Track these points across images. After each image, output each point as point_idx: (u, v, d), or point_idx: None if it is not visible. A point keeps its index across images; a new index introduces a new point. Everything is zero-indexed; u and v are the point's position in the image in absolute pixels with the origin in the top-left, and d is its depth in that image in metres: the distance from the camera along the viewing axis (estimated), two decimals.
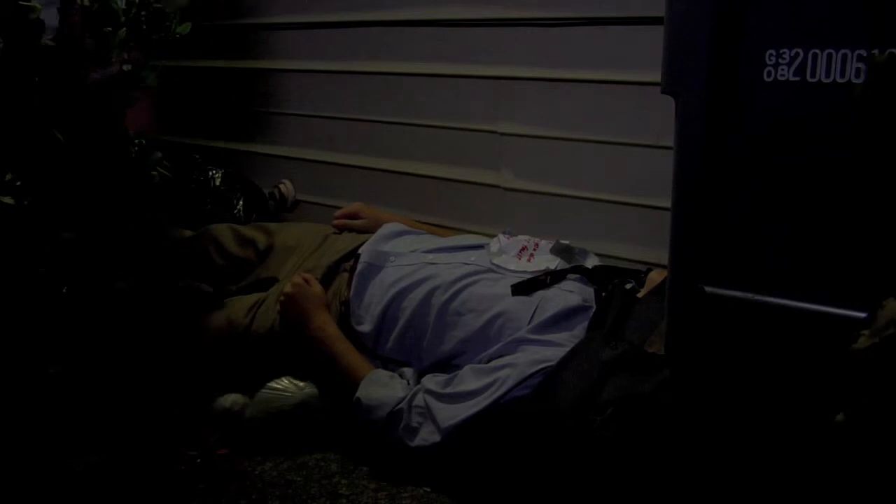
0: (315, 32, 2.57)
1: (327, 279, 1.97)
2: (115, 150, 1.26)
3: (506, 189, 2.27)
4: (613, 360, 1.45)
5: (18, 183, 1.32)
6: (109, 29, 1.13)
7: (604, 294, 1.72)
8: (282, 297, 1.89)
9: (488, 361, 1.66)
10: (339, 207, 2.26)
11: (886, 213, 1.08)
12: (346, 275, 1.96)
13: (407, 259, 1.91)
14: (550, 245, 1.87)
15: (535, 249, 1.87)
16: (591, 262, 1.86)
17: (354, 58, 2.52)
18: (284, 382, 1.80)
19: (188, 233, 2.18)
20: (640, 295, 1.64)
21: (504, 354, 1.65)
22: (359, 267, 1.93)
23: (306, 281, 1.90)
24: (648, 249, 2.00)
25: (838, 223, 1.12)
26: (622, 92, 1.97)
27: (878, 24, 1.05)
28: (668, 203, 1.24)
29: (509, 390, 1.56)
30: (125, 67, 1.18)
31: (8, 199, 1.31)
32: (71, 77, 1.13)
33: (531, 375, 1.57)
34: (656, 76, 1.24)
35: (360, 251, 1.98)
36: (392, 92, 2.46)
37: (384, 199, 2.47)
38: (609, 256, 2.02)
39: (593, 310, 1.69)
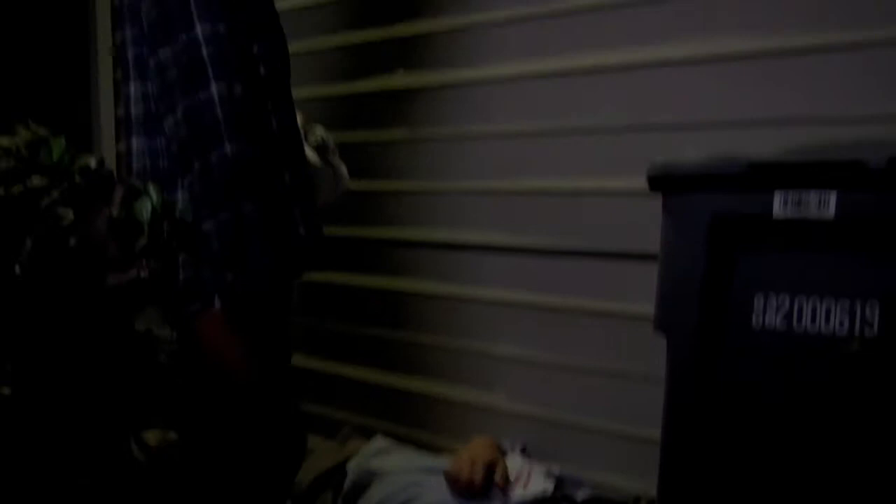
0: None
1: (310, 496, 1.94)
2: (122, 350, 1.30)
3: (500, 412, 2.27)
4: None
5: (17, 376, 1.34)
6: (132, 238, 1.19)
7: None
8: None
9: None
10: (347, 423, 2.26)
11: (869, 465, 1.09)
12: (329, 493, 1.93)
13: (394, 478, 1.89)
14: (543, 471, 1.86)
15: (528, 478, 1.85)
16: (583, 493, 1.84)
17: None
18: None
19: (172, 434, 2.16)
20: None
21: None
22: (344, 486, 1.90)
23: None
24: (641, 480, 1.98)
25: (822, 470, 1.13)
26: (617, 323, 2.02)
27: (862, 279, 1.10)
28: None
29: None
30: (143, 275, 1.23)
31: (6, 391, 1.33)
32: (90, 281, 1.18)
33: None
34: (650, 310, 1.29)
35: (347, 467, 1.96)
36: (393, 308, 2.51)
37: (381, 416, 2.47)
38: (603, 485, 1.99)
39: None
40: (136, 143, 1.70)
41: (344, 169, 2.01)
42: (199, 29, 1.50)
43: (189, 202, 1.52)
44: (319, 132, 1.97)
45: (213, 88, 1.49)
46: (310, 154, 1.90)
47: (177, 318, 1.58)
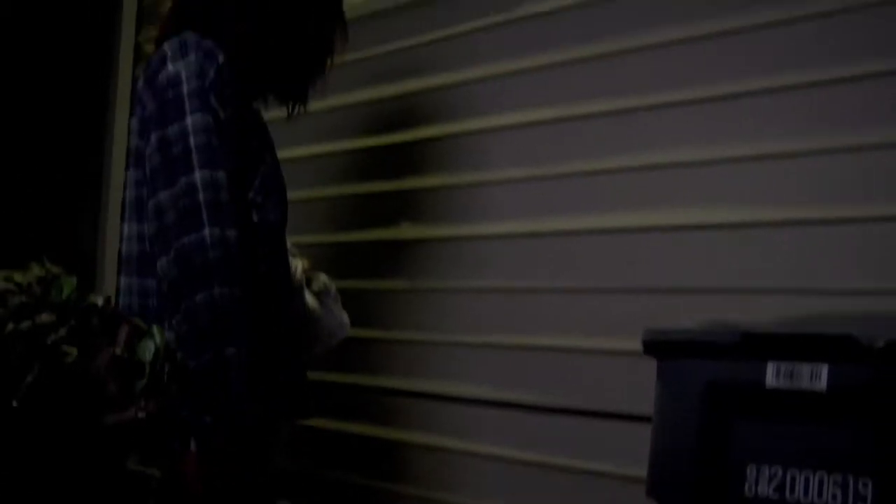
0: None
1: None
2: (114, 490, 1.29)
3: None
4: None
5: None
6: (133, 378, 1.21)
7: None
8: None
9: None
10: None
11: None
12: None
13: None
14: None
15: None
16: None
17: None
18: None
19: None
20: None
21: None
22: None
23: None
24: None
25: None
26: (608, 484, 2.00)
27: (855, 454, 1.11)
28: None
29: None
30: (140, 415, 1.24)
31: None
32: (88, 419, 1.19)
33: None
34: (641, 472, 1.29)
35: None
36: (382, 457, 2.49)
37: None
38: None
39: None
40: (123, 281, 1.74)
41: (345, 317, 2.04)
42: (197, 175, 1.56)
43: (175, 342, 1.54)
44: (323, 279, 2.01)
45: (206, 232, 1.53)
46: (310, 300, 1.93)
47: (161, 456, 1.57)
